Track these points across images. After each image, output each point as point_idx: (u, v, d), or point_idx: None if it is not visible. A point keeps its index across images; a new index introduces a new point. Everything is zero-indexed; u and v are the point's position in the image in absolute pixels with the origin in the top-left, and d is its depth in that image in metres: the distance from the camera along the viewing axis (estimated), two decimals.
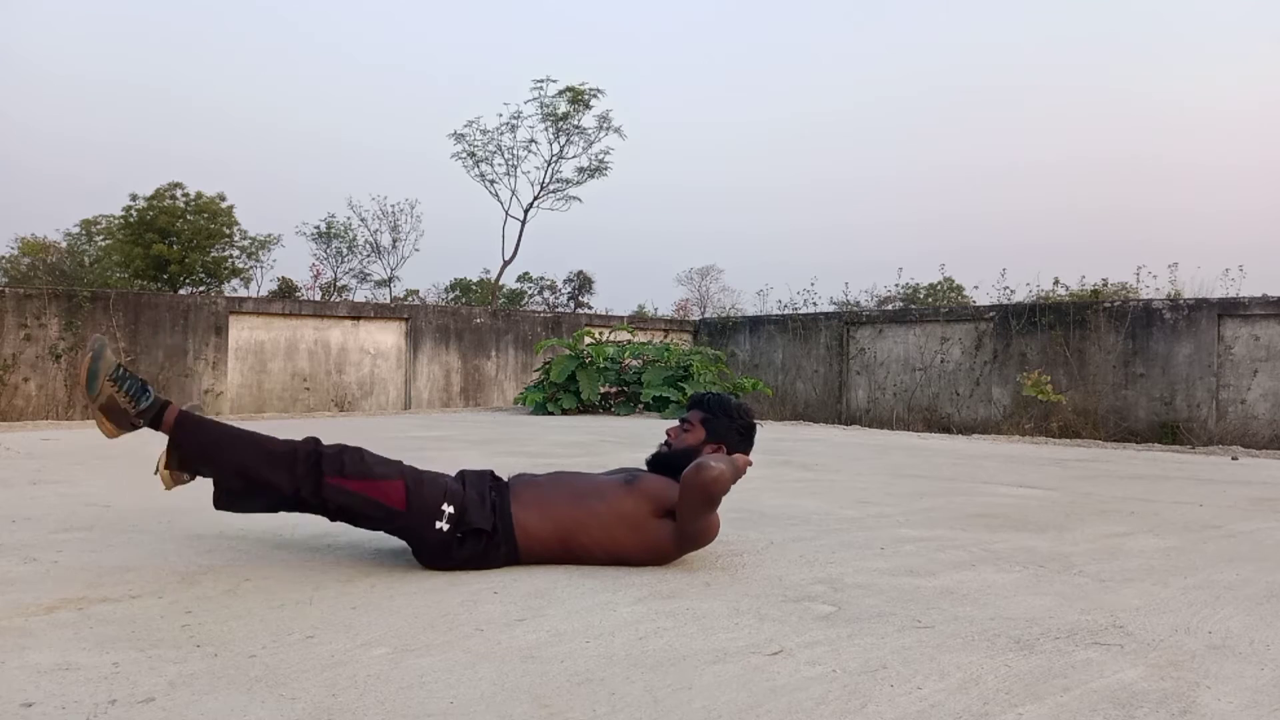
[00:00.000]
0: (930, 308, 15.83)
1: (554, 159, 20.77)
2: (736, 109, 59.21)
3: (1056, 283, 13.85)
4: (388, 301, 22.55)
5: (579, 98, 19.97)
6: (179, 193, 22.52)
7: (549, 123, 20.28)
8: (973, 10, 64.63)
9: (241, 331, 11.56)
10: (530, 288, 31.94)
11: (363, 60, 55.49)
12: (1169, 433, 10.22)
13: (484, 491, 2.50)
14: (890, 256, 59.46)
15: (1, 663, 1.70)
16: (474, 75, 54.45)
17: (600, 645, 1.87)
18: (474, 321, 13.42)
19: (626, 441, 6.97)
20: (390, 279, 26.98)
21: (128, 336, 10.71)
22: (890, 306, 17.39)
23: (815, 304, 14.79)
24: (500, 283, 24.22)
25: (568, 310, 24.39)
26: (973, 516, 3.65)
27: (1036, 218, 48.20)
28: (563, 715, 1.50)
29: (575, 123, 20.35)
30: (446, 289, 30.47)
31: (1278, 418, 9.87)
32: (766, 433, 6.95)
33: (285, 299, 16.21)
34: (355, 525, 2.59)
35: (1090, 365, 11.02)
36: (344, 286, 27.11)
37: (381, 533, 2.60)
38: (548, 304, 30.97)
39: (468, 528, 2.42)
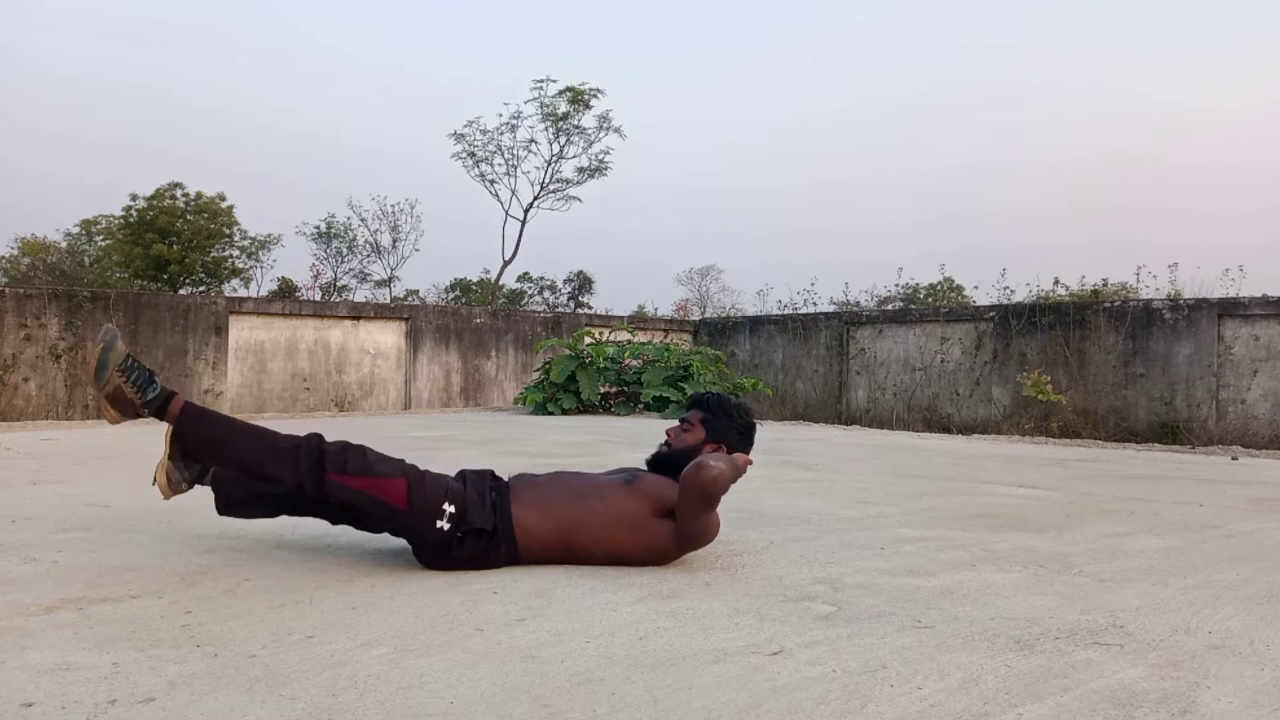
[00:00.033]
0: (930, 308, 15.84)
1: (554, 159, 20.78)
2: (736, 109, 59.23)
3: (1056, 283, 13.87)
4: (388, 301, 22.55)
5: (579, 98, 19.97)
6: (179, 193, 22.52)
7: (549, 123, 20.29)
8: (973, 10, 64.64)
9: (241, 331, 11.56)
10: (530, 288, 31.95)
11: (363, 60, 55.50)
12: (1169, 433, 10.22)
13: (484, 491, 2.50)
14: (890, 256, 59.47)
15: (1, 663, 1.70)
16: (474, 75, 54.46)
17: (600, 645, 1.87)
18: (474, 321, 13.42)
19: (626, 441, 6.97)
20: (390, 279, 27.00)
21: (128, 337, 10.70)
22: (890, 306, 17.40)
23: (815, 304, 14.80)
24: (500, 283, 24.22)
25: (568, 310, 24.39)
26: (973, 516, 3.65)
27: (1036, 218, 48.22)
28: (563, 715, 1.50)
29: (575, 123, 20.35)
30: (446, 289, 30.49)
31: (1278, 418, 9.87)
32: (766, 433, 6.96)
33: (285, 299, 16.21)
34: (357, 525, 2.59)
35: (1090, 365, 11.02)
36: (344, 286, 27.13)
37: (382, 534, 2.61)
38: (548, 304, 30.97)
39: (468, 527, 2.42)
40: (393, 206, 26.22)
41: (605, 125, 20.41)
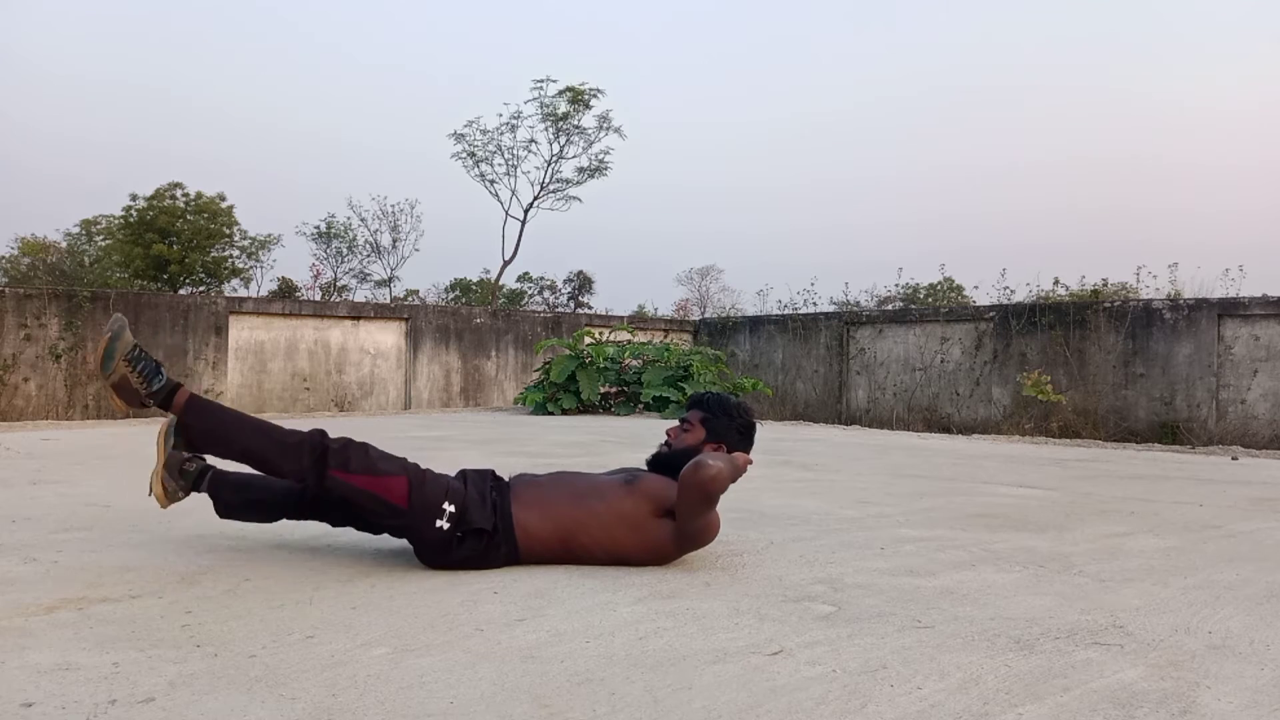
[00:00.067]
0: (930, 308, 15.83)
1: (554, 159, 20.78)
2: (736, 109, 59.23)
3: (1056, 283, 13.87)
4: (388, 301, 22.55)
5: (579, 98, 19.97)
6: (179, 193, 22.52)
7: (549, 123, 20.29)
8: (973, 10, 64.64)
9: (241, 331, 11.56)
10: (530, 288, 31.95)
11: (363, 60, 55.51)
12: (1169, 433, 10.22)
13: (485, 491, 2.50)
14: (890, 256, 59.48)
15: (1, 663, 1.70)
16: (474, 75, 54.47)
17: (600, 645, 1.87)
18: (474, 321, 13.42)
19: (626, 441, 6.97)
20: (390, 279, 27.00)
21: None
22: (890, 306, 17.39)
23: (815, 304, 14.80)
24: (500, 283, 24.22)
25: (568, 310, 24.38)
26: (973, 516, 3.65)
27: (1036, 218, 48.22)
28: (563, 715, 1.50)
29: (575, 123, 20.35)
30: (446, 289, 30.50)
31: (1278, 418, 9.87)
32: (766, 433, 6.95)
33: (285, 299, 16.21)
34: (357, 527, 2.60)
35: (1090, 365, 11.02)
36: (344, 286, 27.13)
37: (382, 535, 2.61)
38: (548, 304, 30.97)
39: (468, 527, 2.42)
40: (393, 206, 26.25)
41: (605, 125, 20.43)
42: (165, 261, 21.64)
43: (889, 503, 4.01)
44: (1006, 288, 13.16)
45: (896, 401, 12.66)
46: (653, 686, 1.64)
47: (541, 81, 19.73)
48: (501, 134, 20.43)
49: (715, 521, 2.55)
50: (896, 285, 23.24)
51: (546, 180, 20.89)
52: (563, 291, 31.74)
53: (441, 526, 2.41)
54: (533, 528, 2.48)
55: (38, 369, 10.22)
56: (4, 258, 27.31)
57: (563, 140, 20.58)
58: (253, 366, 11.63)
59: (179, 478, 2.51)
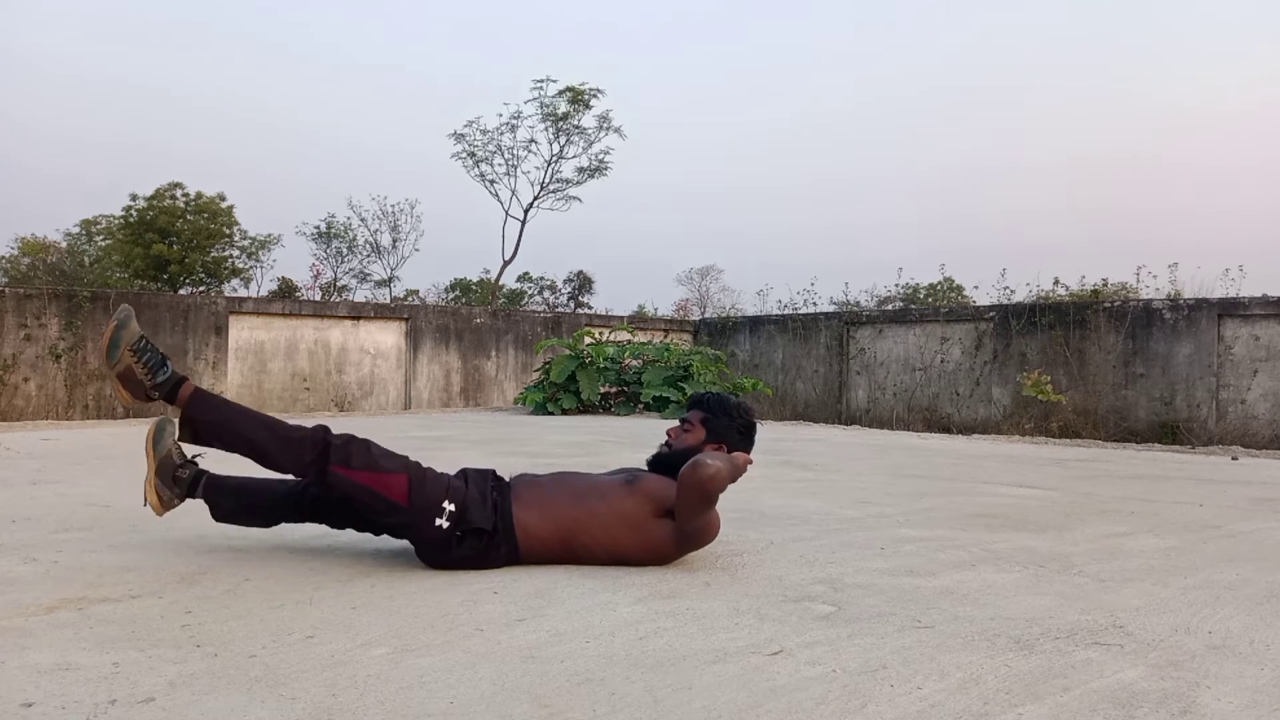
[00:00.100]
0: (930, 308, 15.84)
1: (554, 159, 20.78)
2: (736, 109, 59.22)
3: (1056, 283, 13.87)
4: (388, 301, 22.55)
5: (579, 98, 19.97)
6: (179, 193, 22.52)
7: (549, 123, 20.29)
8: (973, 10, 64.64)
9: (241, 331, 11.56)
10: (530, 288, 31.95)
11: (363, 60, 55.48)
12: (1169, 433, 10.22)
13: (485, 491, 2.50)
14: (890, 256, 59.47)
15: (1, 663, 1.70)
16: (474, 75, 54.46)
17: (600, 645, 1.87)
18: (474, 321, 13.42)
19: (626, 441, 6.97)
20: (390, 279, 27.00)
21: None
22: (890, 306, 17.39)
23: (815, 304, 14.80)
24: (500, 283, 24.22)
25: (568, 310, 24.38)
26: (973, 516, 3.65)
27: (1036, 218, 48.21)
28: (563, 715, 1.50)
29: (575, 123, 20.35)
30: (446, 289, 30.49)
31: (1278, 418, 9.87)
32: (766, 433, 6.95)
33: (285, 299, 16.21)
34: (358, 527, 2.60)
35: (1090, 365, 11.02)
36: (344, 286, 27.13)
37: (382, 536, 2.61)
38: (548, 304, 30.97)
39: (468, 526, 2.42)
40: (393, 206, 26.25)
41: (605, 125, 20.42)
42: (165, 261, 21.64)
43: (889, 503, 4.01)
44: (1006, 288, 13.18)
45: (896, 401, 12.66)
46: (653, 686, 1.64)
47: (541, 81, 19.75)
48: (501, 134, 20.45)
49: (715, 521, 2.55)
50: (896, 285, 23.26)
51: (546, 180, 20.91)
52: (563, 291, 31.75)
53: (441, 525, 2.41)
54: (533, 528, 2.48)
55: (38, 369, 10.22)
56: (4, 258, 27.33)
57: (563, 140, 20.60)
58: (253, 366, 11.62)
59: (173, 485, 2.50)
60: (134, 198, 22.35)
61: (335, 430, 2.48)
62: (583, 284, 31.50)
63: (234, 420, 2.47)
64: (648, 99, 54.12)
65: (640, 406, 11.03)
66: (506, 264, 21.43)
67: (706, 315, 21.19)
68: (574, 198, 21.14)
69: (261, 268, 24.93)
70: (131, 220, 22.28)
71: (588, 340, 11.79)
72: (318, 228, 26.87)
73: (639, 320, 15.30)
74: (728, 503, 2.81)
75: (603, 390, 11.33)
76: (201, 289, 22.24)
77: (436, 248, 49.39)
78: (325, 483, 2.40)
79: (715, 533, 2.57)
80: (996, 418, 11.59)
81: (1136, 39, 58.10)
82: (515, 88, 41.41)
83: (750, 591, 2.34)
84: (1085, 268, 40.54)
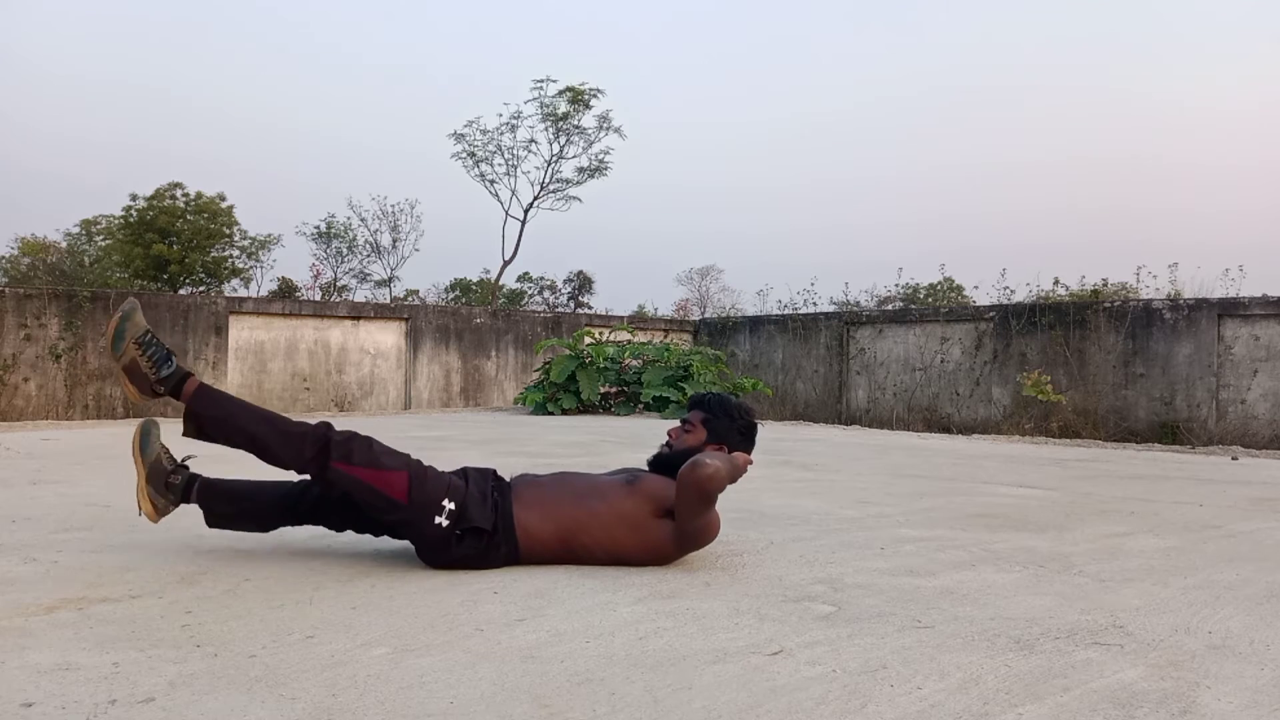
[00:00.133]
0: (930, 308, 15.84)
1: (554, 159, 20.77)
2: (736, 109, 59.21)
3: (1056, 283, 13.86)
4: (388, 301, 22.55)
5: (579, 98, 19.97)
6: (179, 193, 22.51)
7: (549, 123, 20.28)
8: (973, 10, 64.64)
9: (241, 331, 11.56)
10: (530, 288, 31.94)
11: (362, 60, 55.47)
12: (1169, 433, 10.22)
13: (486, 490, 2.51)
14: (890, 256, 59.46)
15: (1, 663, 1.70)
16: (474, 75, 54.45)
17: (600, 645, 1.87)
18: (474, 321, 13.42)
19: (626, 441, 6.97)
20: (390, 279, 26.99)
21: None
22: (890, 306, 17.39)
23: (815, 304, 14.80)
24: (500, 283, 24.22)
25: (568, 310, 24.38)
26: (973, 516, 3.65)
27: (1036, 218, 48.19)
28: (563, 715, 1.50)
29: (575, 123, 20.35)
30: (446, 289, 30.49)
31: (1278, 418, 9.87)
32: (766, 433, 6.95)
33: (285, 299, 16.21)
34: (358, 528, 2.60)
35: (1090, 365, 11.02)
36: (344, 286, 27.12)
37: (382, 537, 2.61)
38: (548, 304, 30.97)
39: (468, 525, 2.42)
40: (393, 206, 26.23)
41: (605, 125, 20.42)
42: (165, 261, 21.64)
43: (889, 503, 4.01)
44: (1006, 288, 13.18)
45: (896, 401, 12.66)
46: (653, 686, 1.64)
47: (541, 81, 19.74)
48: (501, 134, 20.45)
49: (715, 522, 2.55)
50: (896, 285, 23.25)
51: (546, 180, 20.90)
52: (563, 291, 31.74)
53: (440, 523, 2.41)
54: (533, 528, 2.48)
55: (38, 369, 10.22)
56: (4, 258, 27.33)
57: (563, 140, 20.59)
58: (253, 366, 11.63)
59: (166, 492, 2.49)
60: (134, 198, 22.37)
61: (336, 428, 2.48)
62: (583, 284, 31.51)
63: (237, 415, 2.47)
64: (648, 99, 54.13)
65: (640, 406, 11.03)
66: (506, 264, 21.44)
67: (706, 315, 21.19)
68: (574, 198, 21.16)
69: (261, 268, 24.95)
70: (131, 220, 22.28)
71: (588, 340, 11.79)
72: (318, 228, 26.88)
73: (639, 320, 15.30)
74: (728, 503, 2.81)
75: (603, 390, 11.33)
76: (201, 289, 22.24)
77: (436, 248, 49.42)
78: (326, 479, 2.40)
79: (715, 533, 2.57)
80: (996, 418, 11.59)
81: (1136, 39, 58.12)
82: (515, 88, 41.44)
83: (750, 591, 2.34)
84: (1085, 268, 40.56)
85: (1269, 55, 54.67)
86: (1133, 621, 2.14)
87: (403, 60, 55.43)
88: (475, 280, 29.81)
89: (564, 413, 10.71)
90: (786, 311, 14.68)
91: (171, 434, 2.56)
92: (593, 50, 57.58)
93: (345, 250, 27.21)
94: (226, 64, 51.05)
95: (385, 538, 2.64)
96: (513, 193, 20.91)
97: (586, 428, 8.46)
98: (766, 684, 1.66)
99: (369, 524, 2.57)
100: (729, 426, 2.63)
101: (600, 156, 20.78)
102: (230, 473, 2.73)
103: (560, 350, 12.07)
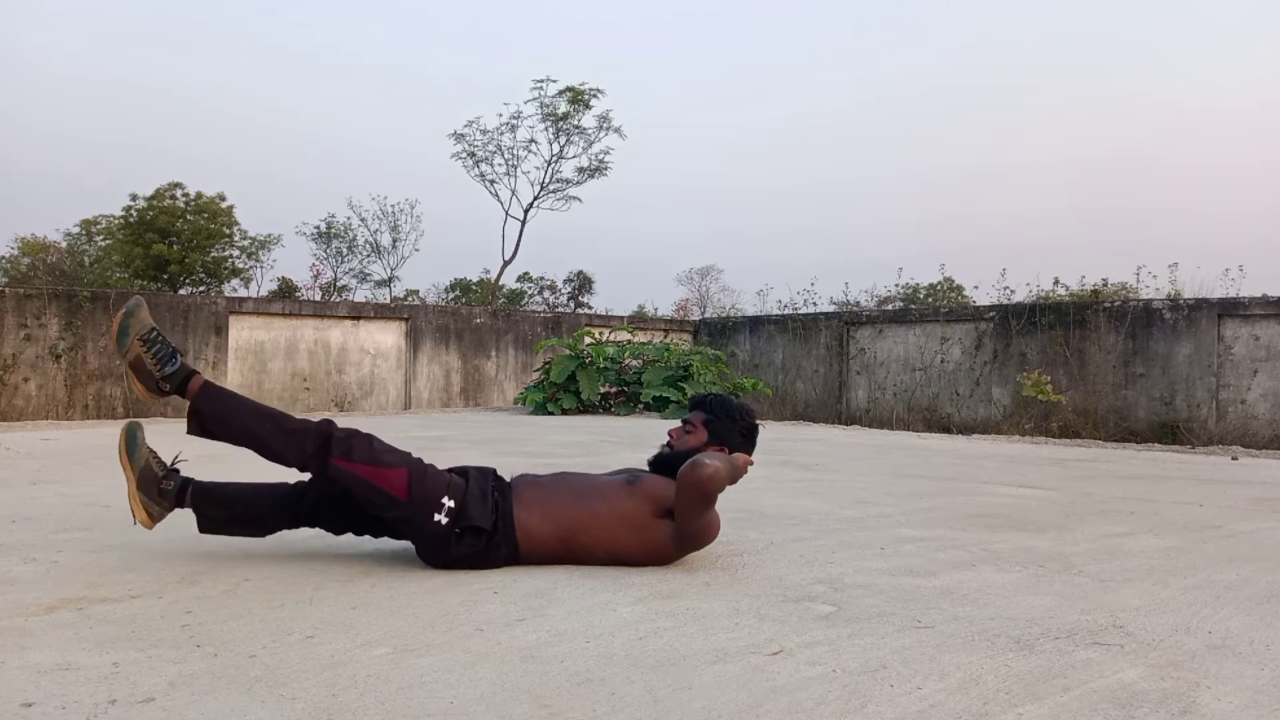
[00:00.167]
0: (930, 308, 15.84)
1: (554, 159, 20.77)
2: (736, 109, 59.21)
3: (1056, 283, 13.87)
4: (388, 301, 22.54)
5: (579, 98, 19.97)
6: (179, 193, 22.51)
7: (549, 123, 20.28)
8: (973, 10, 64.65)
9: (241, 331, 11.56)
10: (530, 288, 31.94)
11: (363, 60, 55.46)
12: (1169, 433, 10.22)
13: (486, 490, 2.50)
14: (890, 256, 59.46)
15: (1, 663, 1.70)
16: (474, 75, 54.45)
17: (600, 645, 1.87)
18: (474, 321, 13.42)
19: (627, 442, 6.97)
20: (390, 279, 26.99)
21: None
22: (890, 306, 17.39)
23: (815, 304, 14.80)
24: (500, 283, 24.22)
25: (568, 310, 24.38)
26: (973, 516, 3.65)
27: (1036, 218, 48.19)
28: (563, 715, 1.50)
29: (575, 123, 20.34)
30: (446, 289, 30.49)
31: (1278, 418, 9.87)
32: (766, 432, 6.95)
33: (285, 299, 16.21)
34: (356, 531, 2.60)
35: (1090, 365, 11.02)
36: (344, 286, 27.12)
37: (382, 538, 2.61)
38: (548, 304, 30.96)
39: (467, 523, 2.42)
40: (393, 206, 26.23)
41: (605, 125, 20.41)
42: (165, 261, 21.64)
43: (889, 503, 4.01)
44: (1006, 288, 13.18)
45: (896, 401, 12.66)
46: (653, 686, 1.64)
47: (541, 81, 19.74)
48: (501, 134, 20.45)
49: (715, 522, 2.55)
50: (896, 285, 23.25)
51: (546, 180, 20.90)
52: (563, 291, 31.74)
53: (440, 520, 2.41)
54: (533, 528, 2.48)
55: (38, 369, 10.22)
56: (4, 258, 27.33)
57: (563, 140, 20.59)
58: (253, 366, 11.63)
59: (159, 499, 2.46)
60: (134, 198, 22.36)
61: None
62: (583, 284, 31.50)
63: (240, 412, 2.47)
64: (648, 99, 54.11)
65: (640, 406, 11.03)
66: (506, 264, 21.44)
67: (706, 315, 21.19)
68: (574, 198, 21.15)
69: (261, 268, 24.94)
70: (131, 220, 22.28)
71: (588, 340, 11.79)
72: (318, 228, 26.87)
73: (639, 320, 15.30)
74: (728, 503, 2.81)
75: (603, 390, 11.33)
76: (201, 289, 22.24)
77: (436, 248, 49.41)
78: (327, 475, 2.40)
79: (715, 533, 2.57)
80: (996, 418, 11.59)
81: (1136, 39, 58.12)
82: (515, 88, 41.43)
83: (750, 591, 2.34)
84: (1085, 268, 40.56)
85: (1269, 55, 54.69)
86: (1133, 621, 2.14)
87: (403, 60, 55.45)
88: (475, 280, 29.82)
89: (564, 413, 10.71)
90: (786, 311, 14.68)
91: (161, 434, 2.56)
92: (593, 50, 57.59)
93: (345, 250, 27.22)
94: (226, 64, 51.09)
95: (385, 539, 2.64)
96: (513, 193, 20.93)
97: (586, 428, 8.46)
98: (766, 684, 1.66)
99: (368, 526, 2.57)
100: (730, 428, 2.63)
101: (600, 156, 20.80)
102: (222, 474, 2.73)
103: (560, 350, 12.07)
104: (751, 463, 2.60)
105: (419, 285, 31.21)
